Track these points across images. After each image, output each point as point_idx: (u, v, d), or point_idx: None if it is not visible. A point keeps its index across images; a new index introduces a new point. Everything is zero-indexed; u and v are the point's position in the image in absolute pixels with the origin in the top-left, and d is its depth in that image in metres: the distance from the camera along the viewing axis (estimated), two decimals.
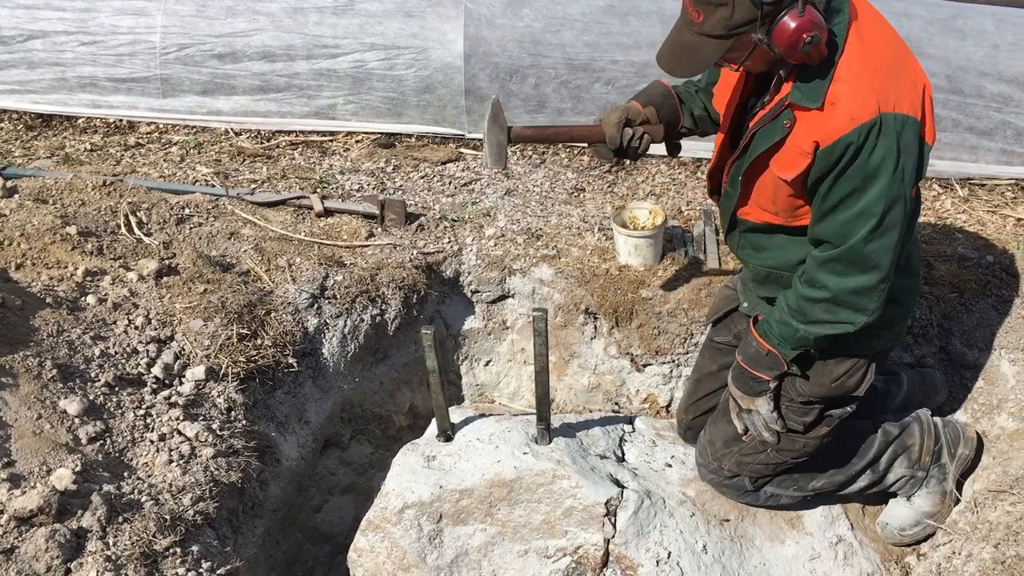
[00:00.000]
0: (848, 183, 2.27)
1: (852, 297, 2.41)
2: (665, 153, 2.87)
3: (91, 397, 2.73)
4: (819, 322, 2.49)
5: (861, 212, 2.29)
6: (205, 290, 3.21)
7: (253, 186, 4.03)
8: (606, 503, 2.88)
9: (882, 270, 2.36)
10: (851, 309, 2.43)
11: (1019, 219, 4.02)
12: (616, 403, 3.74)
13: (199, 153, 4.38)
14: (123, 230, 3.48)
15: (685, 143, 2.92)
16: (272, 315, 3.24)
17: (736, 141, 2.55)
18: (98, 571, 2.26)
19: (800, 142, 2.30)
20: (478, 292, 3.78)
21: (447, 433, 3.05)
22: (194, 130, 4.57)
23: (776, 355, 2.61)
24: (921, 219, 4.02)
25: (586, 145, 2.73)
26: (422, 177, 4.27)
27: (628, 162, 2.79)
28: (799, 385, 2.70)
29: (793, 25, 2.13)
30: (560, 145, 4.52)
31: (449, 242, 3.80)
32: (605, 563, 2.86)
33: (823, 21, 2.17)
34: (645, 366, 3.63)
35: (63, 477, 2.42)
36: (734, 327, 2.98)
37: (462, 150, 4.49)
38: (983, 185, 4.33)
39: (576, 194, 4.17)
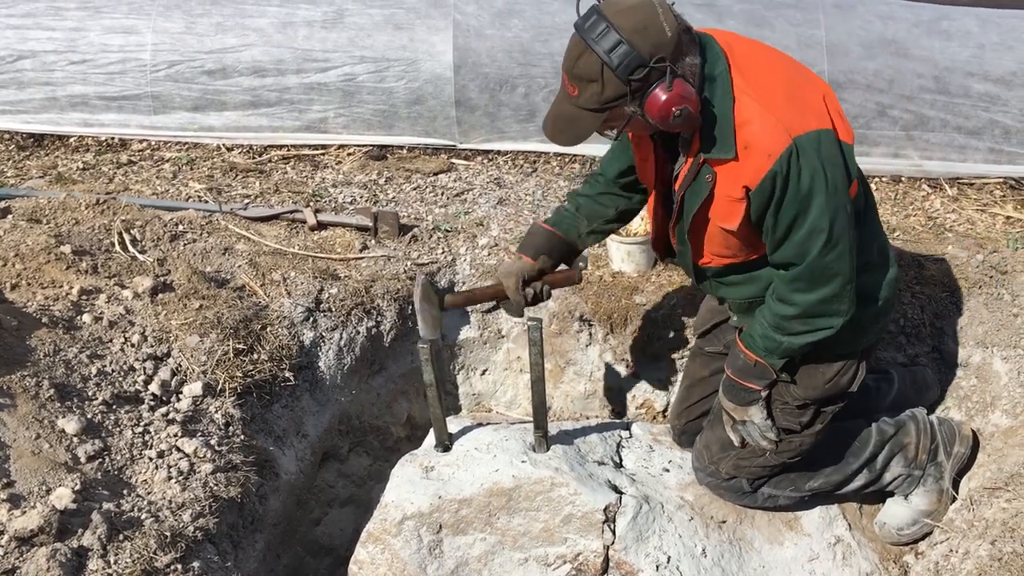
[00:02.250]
0: (789, 211, 2.35)
1: (822, 306, 2.49)
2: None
3: (89, 415, 2.74)
4: (798, 333, 2.56)
5: (810, 231, 2.37)
6: (200, 306, 3.22)
7: (246, 201, 4.04)
8: (605, 509, 2.89)
9: (843, 275, 2.44)
10: (825, 316, 2.51)
11: (1008, 217, 4.05)
12: (612, 409, 3.75)
13: (191, 169, 4.39)
14: (117, 248, 3.49)
15: None
16: (268, 329, 3.25)
17: (669, 206, 2.63)
18: None
19: (729, 191, 2.38)
20: None
21: (445, 443, 3.06)
22: (186, 146, 4.58)
23: (764, 365, 2.66)
24: (911, 219, 4.05)
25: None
26: (414, 188, 4.28)
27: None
28: (793, 389, 2.73)
29: (663, 99, 2.21)
30: (552, 153, 4.54)
31: (443, 252, 3.82)
32: (605, 569, 2.87)
33: (692, 93, 2.24)
34: (640, 372, 3.64)
35: (63, 496, 2.43)
36: (723, 337, 3.00)
37: (454, 161, 4.51)
38: (972, 184, 4.36)
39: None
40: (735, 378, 2.74)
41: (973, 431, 3.12)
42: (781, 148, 2.26)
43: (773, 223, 2.39)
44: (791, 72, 2.42)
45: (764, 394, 2.73)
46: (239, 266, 3.53)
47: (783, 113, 2.29)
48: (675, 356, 3.57)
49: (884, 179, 4.41)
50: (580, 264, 2.96)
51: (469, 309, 3.80)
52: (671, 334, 3.56)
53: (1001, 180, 4.38)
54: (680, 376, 3.58)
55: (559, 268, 2.86)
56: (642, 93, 2.23)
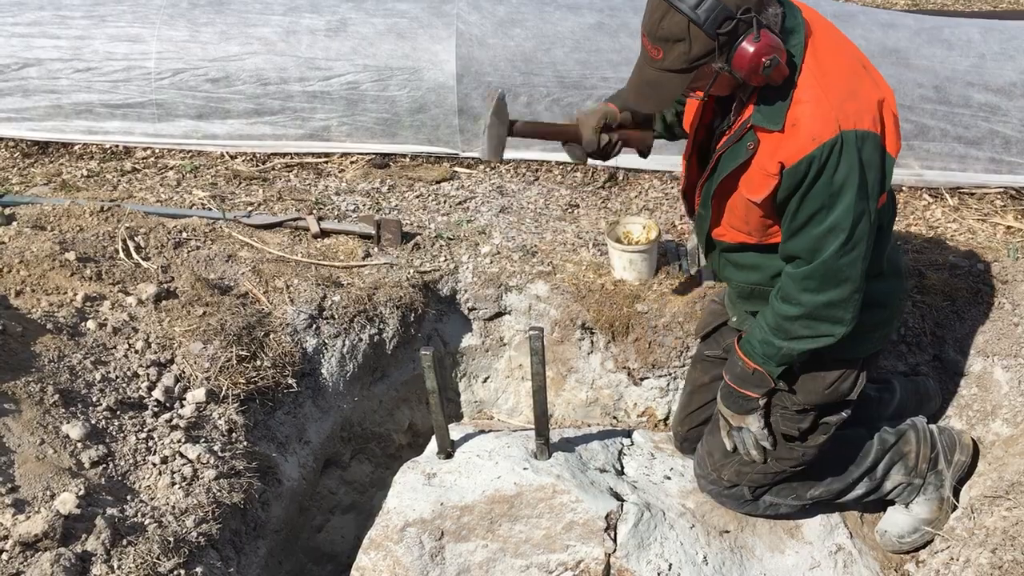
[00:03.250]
0: (815, 201, 2.33)
1: (827, 310, 2.46)
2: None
3: (93, 421, 2.75)
4: (800, 338, 2.54)
5: (831, 228, 2.35)
6: (204, 313, 3.23)
7: (249, 209, 4.06)
8: (606, 516, 2.90)
9: (854, 282, 2.42)
10: (829, 322, 2.49)
11: (1009, 227, 4.07)
12: (614, 417, 3.76)
13: (195, 177, 4.41)
14: (121, 255, 3.50)
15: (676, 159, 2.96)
16: (271, 336, 3.26)
17: (704, 162, 2.60)
18: None
19: (765, 163, 2.36)
20: (475, 309, 3.81)
21: (447, 450, 3.07)
22: (190, 154, 4.60)
23: (763, 373, 2.65)
24: (912, 228, 4.06)
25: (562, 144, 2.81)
26: (417, 196, 4.30)
27: (599, 162, 2.87)
28: (795, 393, 2.73)
29: (751, 50, 2.19)
30: (554, 161, 4.56)
31: (445, 260, 3.83)
32: None
33: (780, 43, 2.22)
34: (642, 379, 3.65)
35: (67, 501, 2.44)
36: (723, 340, 3.01)
37: (456, 169, 4.52)
38: (972, 194, 4.38)
39: (570, 210, 4.21)
40: (733, 385, 2.74)
41: (973, 440, 3.13)
42: (827, 136, 2.25)
43: (796, 208, 2.37)
44: (860, 67, 2.39)
45: (762, 403, 2.73)
46: (242, 273, 3.54)
47: (839, 103, 2.27)
48: (677, 364, 3.58)
49: None
50: (653, 132, 2.89)
51: (472, 318, 3.82)
52: (672, 342, 3.57)
53: (1001, 190, 4.39)
54: (681, 384, 3.59)
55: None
56: (729, 47, 2.20)
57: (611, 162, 4.35)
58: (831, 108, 2.26)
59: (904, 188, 4.42)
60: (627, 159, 4.37)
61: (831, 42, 2.37)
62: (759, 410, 2.74)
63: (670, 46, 2.22)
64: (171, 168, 4.48)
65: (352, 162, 4.61)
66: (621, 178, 4.44)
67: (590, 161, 2.81)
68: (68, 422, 2.69)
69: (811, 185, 2.31)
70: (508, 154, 4.52)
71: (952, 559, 2.82)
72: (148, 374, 3.00)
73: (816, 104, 2.27)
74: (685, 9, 2.15)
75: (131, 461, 2.72)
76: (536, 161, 4.56)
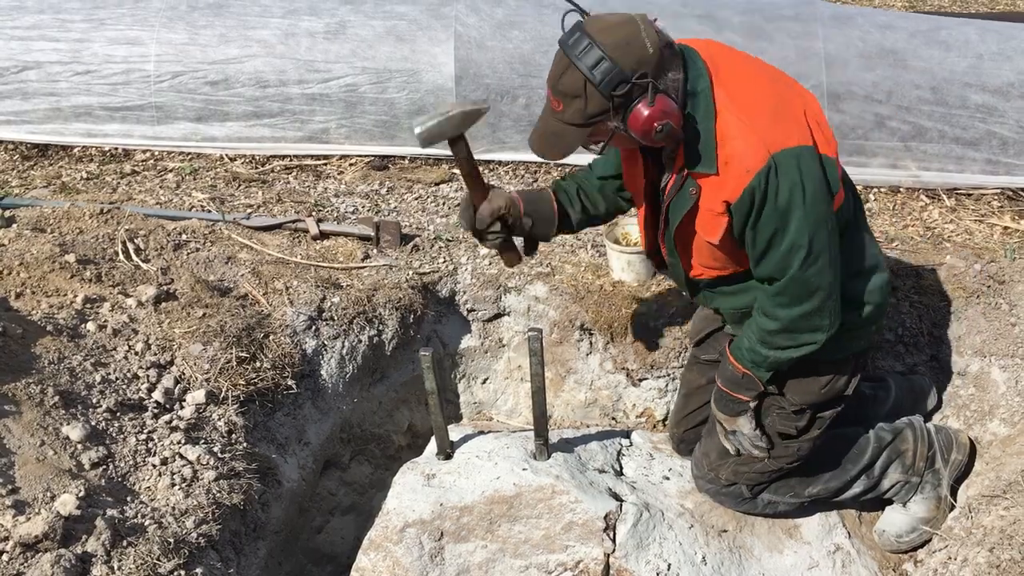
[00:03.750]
0: (767, 227, 2.39)
1: (804, 321, 2.52)
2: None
3: (93, 423, 2.76)
4: (784, 348, 2.60)
5: (790, 247, 2.40)
6: (204, 314, 3.24)
7: (249, 211, 4.07)
8: (605, 517, 2.90)
9: (824, 290, 2.47)
10: (808, 331, 2.54)
11: (1006, 227, 4.08)
12: (613, 417, 3.77)
13: (194, 179, 4.41)
14: (121, 257, 3.51)
15: None
16: (271, 338, 3.27)
17: (657, 218, 2.66)
18: None
19: (712, 205, 2.42)
20: (474, 311, 3.82)
21: (446, 451, 3.08)
22: (189, 156, 4.61)
23: (752, 377, 2.70)
24: (909, 229, 4.07)
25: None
26: (416, 198, 4.31)
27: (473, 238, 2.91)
28: (789, 395, 2.75)
29: (645, 114, 2.25)
30: (553, 164, 4.57)
31: (444, 262, 3.84)
32: None
33: (674, 108, 2.27)
34: (641, 380, 3.66)
35: (67, 503, 2.44)
36: (718, 345, 3.02)
37: (455, 171, 4.53)
38: (970, 195, 4.39)
39: None
40: (724, 388, 2.78)
41: (970, 439, 3.14)
42: (760, 164, 2.30)
43: (752, 238, 2.43)
44: (774, 86, 2.45)
45: (752, 405, 2.76)
46: (242, 275, 3.55)
47: (763, 129, 2.32)
48: (675, 365, 3.59)
49: (882, 190, 4.43)
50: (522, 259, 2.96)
51: (470, 319, 3.82)
52: (671, 343, 3.58)
53: (998, 191, 4.40)
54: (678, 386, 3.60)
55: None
56: (625, 108, 2.27)
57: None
58: (757, 137, 2.31)
59: (902, 189, 4.43)
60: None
61: (739, 74, 2.43)
62: (749, 412, 2.78)
63: (569, 100, 2.29)
64: (170, 170, 4.49)
65: (351, 164, 4.62)
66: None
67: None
68: (68, 423, 2.70)
69: (759, 214, 2.37)
70: (506, 156, 4.55)
71: (950, 558, 2.82)
72: (148, 376, 3.00)
73: (743, 138, 2.32)
74: (583, 68, 2.23)
75: (131, 462, 2.73)
76: (535, 163, 4.57)
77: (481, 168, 4.49)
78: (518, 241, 2.91)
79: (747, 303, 2.71)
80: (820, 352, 2.59)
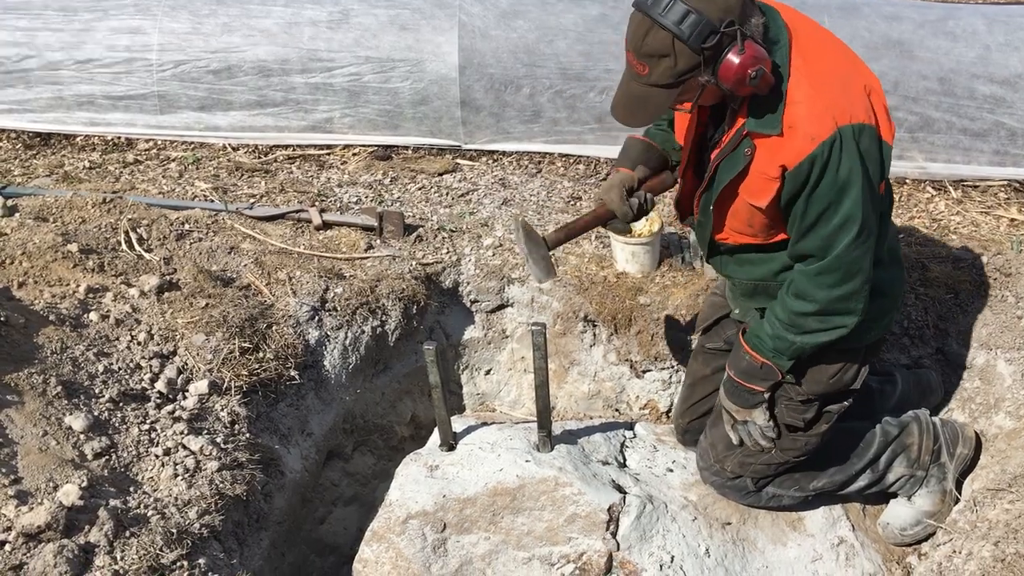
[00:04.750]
0: (822, 199, 2.34)
1: (842, 303, 2.48)
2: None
3: (96, 413, 2.75)
4: (814, 331, 2.55)
5: (842, 223, 2.36)
6: (206, 305, 3.23)
7: (252, 200, 4.05)
8: (608, 509, 2.90)
9: (865, 272, 2.45)
10: (842, 314, 2.51)
11: (1013, 219, 4.06)
12: (616, 409, 3.76)
13: (197, 169, 4.40)
14: (124, 247, 3.50)
15: None
16: (273, 328, 3.26)
17: (700, 172, 2.61)
18: None
19: (765, 168, 2.37)
20: (477, 302, 3.81)
21: (449, 443, 3.07)
22: (192, 146, 4.60)
23: (771, 366, 2.66)
24: (915, 221, 4.05)
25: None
26: (419, 189, 4.30)
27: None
28: (800, 384, 2.73)
29: (737, 62, 2.20)
30: (556, 154, 4.55)
31: (447, 252, 3.83)
32: (609, 569, 2.88)
33: (765, 54, 2.23)
34: (644, 372, 3.65)
35: (70, 493, 2.44)
36: (724, 333, 3.01)
37: (458, 161, 4.52)
38: (976, 187, 4.36)
39: (572, 202, 4.20)
40: (739, 380, 2.74)
41: (976, 432, 3.13)
42: (826, 134, 2.26)
43: (804, 209, 2.38)
44: (847, 60, 2.41)
45: (767, 396, 2.74)
46: (245, 265, 3.54)
47: (833, 100, 2.28)
48: (679, 357, 3.58)
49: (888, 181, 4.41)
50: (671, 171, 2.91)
51: (474, 310, 3.81)
52: (675, 334, 3.57)
53: (1006, 183, 4.38)
54: (683, 376, 3.59)
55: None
56: (715, 60, 2.21)
57: (613, 154, 4.36)
58: (825, 106, 2.27)
59: (908, 180, 4.41)
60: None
61: (815, 40, 2.39)
62: (764, 403, 2.75)
63: (656, 61, 2.23)
64: (173, 160, 4.48)
65: (354, 154, 4.60)
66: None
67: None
68: (71, 414, 2.69)
69: (816, 184, 2.32)
70: (510, 146, 4.54)
71: (954, 552, 2.82)
72: (151, 366, 3.00)
73: (810, 104, 2.28)
74: (669, 25, 2.16)
75: (134, 453, 2.72)
76: (539, 153, 4.56)
77: (485, 158, 4.50)
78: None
79: (762, 275, 2.68)
80: (834, 341, 2.57)
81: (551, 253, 2.78)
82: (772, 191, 2.39)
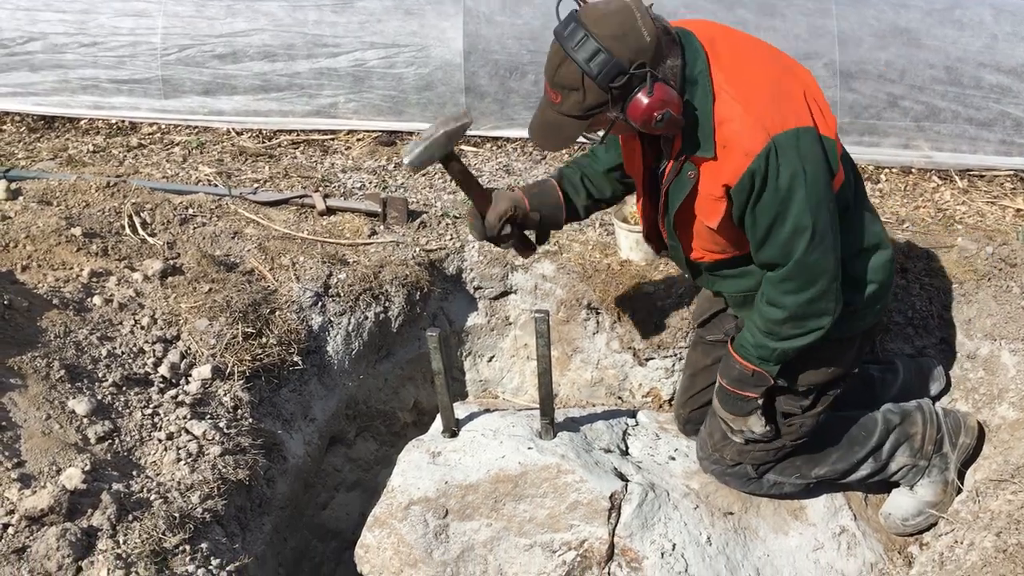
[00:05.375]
0: (768, 210, 2.36)
1: (811, 307, 2.50)
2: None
3: (99, 397, 2.75)
4: (791, 337, 2.57)
5: (793, 230, 2.37)
6: (210, 289, 3.23)
7: (256, 185, 4.05)
8: (611, 496, 2.90)
9: (829, 272, 2.45)
10: (815, 317, 2.52)
11: (1018, 210, 4.04)
12: (619, 397, 3.76)
13: (201, 153, 4.40)
14: (127, 231, 3.50)
15: None
16: (277, 314, 3.26)
17: (656, 201, 2.63)
18: (109, 569, 2.28)
19: (711, 189, 2.40)
20: (480, 288, 3.80)
21: (452, 429, 3.07)
22: (196, 130, 4.59)
23: (762, 373, 2.67)
24: (921, 210, 4.04)
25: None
26: (423, 175, 4.28)
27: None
28: (797, 380, 2.73)
29: (644, 103, 2.22)
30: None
31: (451, 239, 3.82)
32: (610, 556, 2.88)
33: (675, 96, 2.25)
34: (647, 360, 3.64)
35: (73, 476, 2.44)
36: (723, 325, 3.01)
37: (463, 147, 4.50)
38: (982, 176, 4.35)
39: None
40: (731, 388, 2.75)
41: (979, 423, 3.12)
42: (759, 147, 2.27)
43: (752, 222, 2.40)
44: (773, 66, 2.42)
45: (761, 402, 2.74)
46: (248, 250, 3.54)
47: (763, 111, 2.30)
48: (682, 345, 3.57)
49: (894, 170, 4.39)
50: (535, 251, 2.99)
51: (477, 296, 3.81)
52: (678, 322, 3.56)
53: (1012, 172, 4.36)
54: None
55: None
56: (624, 99, 2.24)
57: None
58: (755, 119, 2.29)
59: (914, 170, 4.39)
60: None
61: (739, 53, 2.39)
62: (759, 410, 2.76)
63: (567, 93, 2.27)
64: (177, 144, 4.47)
65: (359, 139, 4.59)
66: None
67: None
68: (74, 397, 2.70)
69: (759, 197, 2.34)
70: (514, 133, 4.52)
71: (956, 542, 2.82)
72: (154, 350, 3.00)
73: (740, 120, 2.29)
74: (579, 61, 2.20)
75: (137, 437, 2.73)
76: None
77: (489, 144, 4.49)
78: (531, 234, 2.92)
79: (749, 286, 2.69)
80: (831, 329, 2.57)
81: (434, 159, 2.62)
82: (721, 210, 2.42)
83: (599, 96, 2.24)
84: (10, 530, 2.31)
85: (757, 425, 2.78)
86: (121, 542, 2.37)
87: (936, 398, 3.28)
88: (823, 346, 2.66)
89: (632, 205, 3.74)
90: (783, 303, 2.51)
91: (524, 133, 4.52)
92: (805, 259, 2.40)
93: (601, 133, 2.43)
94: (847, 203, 2.53)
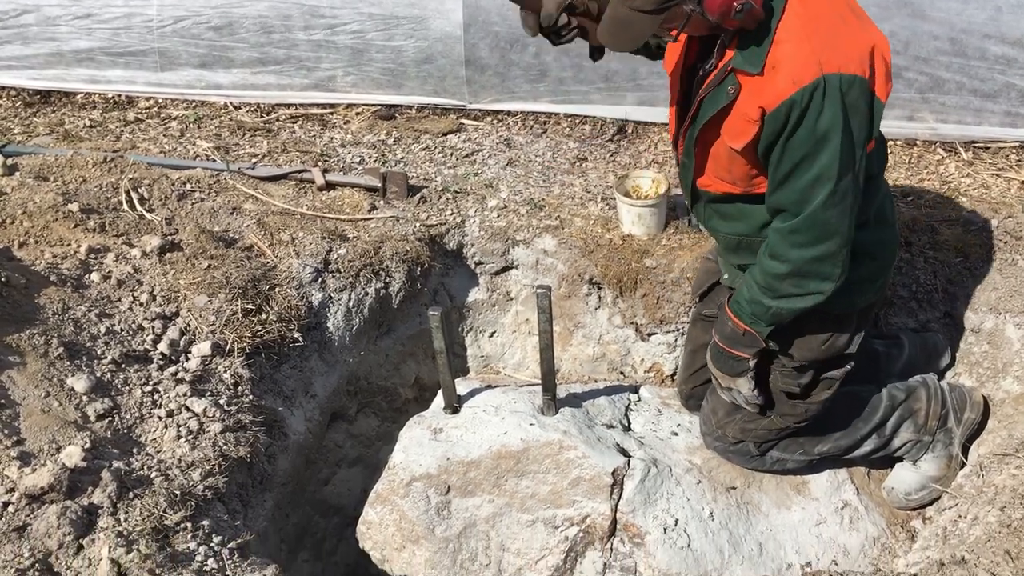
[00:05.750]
0: (798, 148, 2.24)
1: (816, 266, 2.38)
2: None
3: (98, 374, 2.74)
4: (788, 296, 2.46)
5: (816, 177, 2.26)
6: (209, 266, 3.21)
7: (254, 160, 4.01)
8: (613, 472, 2.89)
9: (841, 235, 2.34)
10: (817, 278, 2.41)
11: (1023, 182, 4.01)
12: (621, 372, 3.75)
13: (199, 128, 4.35)
14: (125, 206, 3.47)
15: None
16: (276, 290, 3.24)
17: (686, 108, 2.50)
18: (110, 547, 2.28)
19: (746, 109, 2.27)
20: (482, 264, 3.78)
21: (453, 406, 3.06)
22: (193, 104, 4.54)
23: (752, 333, 2.59)
24: (925, 183, 4.01)
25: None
26: (423, 149, 4.25)
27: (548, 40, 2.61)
28: (790, 351, 2.68)
29: None
30: (562, 114, 4.48)
31: (452, 214, 3.79)
32: (613, 532, 2.88)
33: None
34: (650, 335, 3.63)
35: (72, 454, 2.43)
36: (719, 299, 2.93)
37: (463, 121, 4.46)
38: (987, 148, 4.31)
39: (578, 164, 4.16)
40: (723, 346, 2.69)
41: (984, 397, 3.11)
42: (808, 79, 2.15)
43: (779, 157, 2.28)
44: (848, 13, 2.28)
45: (752, 363, 2.67)
46: (247, 226, 3.51)
47: (822, 46, 2.17)
48: (684, 320, 3.55)
49: (898, 142, 4.35)
50: None
51: (478, 272, 3.79)
52: (680, 297, 3.54)
53: (1017, 144, 4.31)
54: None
55: None
56: None
57: (619, 114, 4.32)
58: (813, 50, 2.16)
59: (918, 142, 4.35)
60: (638, 112, 4.32)
61: None
62: (749, 371, 2.69)
63: None
64: (174, 118, 4.43)
65: (358, 113, 4.55)
66: (630, 131, 4.38)
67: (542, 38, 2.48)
68: (73, 375, 2.68)
69: (793, 132, 2.22)
70: (515, 106, 4.48)
71: (960, 516, 2.81)
72: (153, 327, 2.98)
73: (797, 45, 2.17)
74: None
75: (137, 414, 2.71)
76: (544, 113, 4.50)
77: (490, 118, 4.45)
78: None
79: (743, 230, 2.60)
80: (824, 305, 2.48)
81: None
82: (751, 134, 2.28)
83: None
84: (10, 508, 2.31)
85: (745, 387, 2.72)
86: (122, 520, 2.36)
87: (941, 373, 3.26)
88: (819, 320, 2.60)
89: (634, 179, 3.71)
90: (788, 256, 2.40)
91: (525, 106, 4.47)
92: (820, 213, 2.29)
93: (675, 33, 2.25)
94: (871, 173, 2.41)
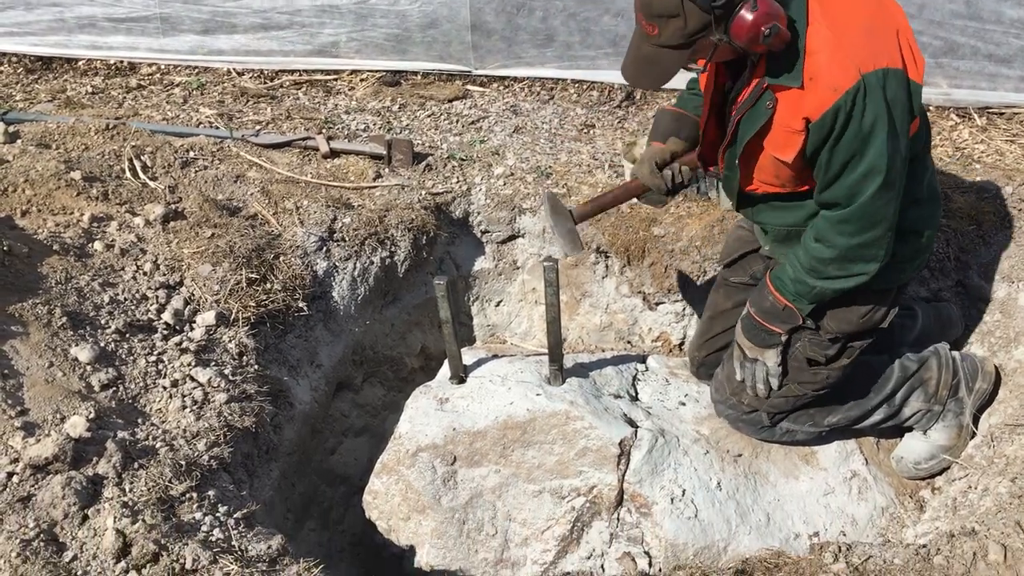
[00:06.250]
0: (846, 150, 2.29)
1: (861, 251, 2.44)
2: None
3: (102, 344, 2.72)
4: (833, 277, 2.52)
5: (866, 173, 2.31)
6: (213, 234, 3.18)
7: (258, 127, 3.97)
8: (620, 443, 2.87)
9: (887, 221, 2.40)
10: (862, 261, 2.47)
11: None
12: (628, 342, 3.72)
13: (202, 94, 4.31)
14: (128, 174, 3.44)
15: None
16: (281, 259, 3.21)
17: (722, 123, 2.55)
18: (115, 517, 2.27)
19: (788, 121, 2.32)
20: (488, 232, 3.74)
21: (460, 375, 3.04)
22: (196, 71, 4.50)
23: (792, 309, 2.63)
24: (938, 149, 3.95)
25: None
26: (429, 116, 4.20)
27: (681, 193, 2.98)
28: (827, 323, 2.69)
29: (750, 19, 2.15)
30: (569, 80, 4.43)
31: (458, 182, 3.75)
32: (619, 502, 2.87)
33: (779, 9, 2.18)
34: (657, 304, 3.60)
35: (77, 424, 2.42)
36: (750, 268, 2.96)
37: (469, 87, 4.41)
38: (1002, 114, 4.24)
39: (586, 130, 4.10)
40: (758, 319, 2.71)
41: (996, 367, 3.07)
42: (848, 84, 2.20)
43: (828, 159, 2.33)
44: (869, 3, 2.33)
45: (784, 339, 2.70)
46: (251, 194, 3.48)
47: (855, 47, 2.22)
48: (693, 289, 3.52)
49: None
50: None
51: (484, 240, 3.75)
52: (689, 266, 3.51)
53: None
54: (699, 309, 3.54)
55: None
56: (727, 18, 2.17)
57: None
58: (847, 54, 2.21)
59: (931, 108, 4.29)
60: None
61: None
62: (780, 346, 2.72)
63: (665, 22, 2.18)
64: (177, 85, 4.39)
65: (362, 80, 4.49)
66: (638, 97, 4.33)
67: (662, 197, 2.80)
68: (77, 345, 2.66)
69: (840, 135, 2.27)
70: (522, 72, 4.42)
71: (970, 487, 2.79)
72: (157, 296, 2.96)
73: (831, 53, 2.22)
74: None
75: (141, 384, 2.70)
76: (551, 79, 4.44)
77: (496, 84, 4.39)
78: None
79: (795, 221, 2.63)
80: (868, 283, 2.52)
81: (577, 226, 2.78)
82: (797, 144, 2.34)
83: (701, 19, 2.16)
84: (15, 478, 2.30)
85: (772, 359, 2.75)
86: (127, 490, 2.35)
87: (953, 342, 3.23)
88: (860, 295, 2.63)
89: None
90: (835, 242, 2.45)
91: (531, 72, 4.42)
92: (871, 203, 2.35)
93: (704, 63, 2.33)
94: (915, 152, 2.47)
